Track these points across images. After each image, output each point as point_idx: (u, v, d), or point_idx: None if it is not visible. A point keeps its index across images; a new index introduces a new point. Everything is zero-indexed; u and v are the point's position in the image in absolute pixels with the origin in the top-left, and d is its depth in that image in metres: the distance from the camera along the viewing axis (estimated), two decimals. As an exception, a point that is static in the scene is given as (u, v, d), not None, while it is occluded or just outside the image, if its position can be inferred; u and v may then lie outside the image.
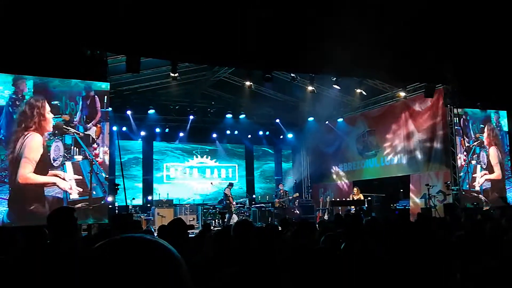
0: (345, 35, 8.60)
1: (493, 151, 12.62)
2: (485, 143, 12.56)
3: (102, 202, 8.84)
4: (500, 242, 3.59)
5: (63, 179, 8.52)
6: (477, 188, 12.18)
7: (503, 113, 13.02)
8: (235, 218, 12.96)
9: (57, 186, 8.44)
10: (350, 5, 8.72)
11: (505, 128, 13.02)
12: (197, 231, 8.47)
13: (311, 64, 10.29)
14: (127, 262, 0.72)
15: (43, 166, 8.38)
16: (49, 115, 8.49)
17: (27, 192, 8.23)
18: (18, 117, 8.27)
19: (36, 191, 8.30)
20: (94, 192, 8.73)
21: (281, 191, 14.72)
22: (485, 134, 12.58)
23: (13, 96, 8.30)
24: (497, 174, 12.52)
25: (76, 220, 3.01)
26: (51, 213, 3.00)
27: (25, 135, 8.22)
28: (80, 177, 8.66)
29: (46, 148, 8.41)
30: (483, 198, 12.13)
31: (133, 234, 0.78)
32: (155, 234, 5.55)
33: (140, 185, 16.17)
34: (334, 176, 16.88)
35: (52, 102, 8.58)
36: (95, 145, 8.87)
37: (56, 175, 8.47)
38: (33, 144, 8.25)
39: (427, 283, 2.91)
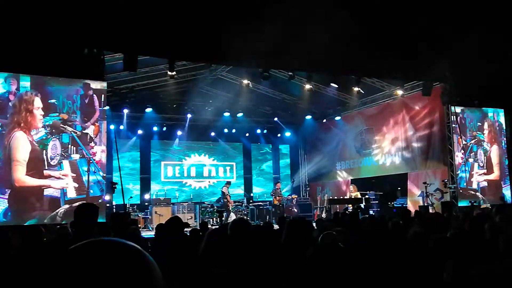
0: (344, 34, 8.59)
1: (495, 150, 12.64)
2: (487, 140, 12.58)
3: (100, 201, 8.82)
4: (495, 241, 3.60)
5: (59, 177, 8.49)
6: (475, 186, 12.21)
7: (500, 112, 13.04)
8: (232, 217, 12.95)
9: (52, 188, 8.40)
10: (350, 3, 8.72)
11: (503, 126, 13.05)
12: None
13: (309, 63, 10.29)
14: (99, 266, 0.71)
15: (37, 165, 8.29)
16: (38, 111, 8.39)
17: (26, 192, 8.20)
18: (9, 114, 8.21)
19: (35, 191, 8.27)
20: (91, 191, 8.72)
21: (278, 189, 14.77)
22: (485, 132, 12.61)
23: (7, 96, 8.26)
24: (496, 174, 12.56)
25: (97, 218, 3.16)
26: (77, 208, 3.12)
27: (11, 136, 8.10)
28: (77, 175, 8.64)
29: (38, 145, 8.33)
30: (480, 196, 12.16)
31: (106, 238, 0.77)
32: (153, 233, 5.55)
33: (138, 183, 16.16)
34: (332, 174, 16.90)
35: (49, 101, 8.54)
36: (92, 144, 8.85)
37: (50, 176, 8.42)
38: (18, 144, 8.13)
39: (425, 280, 2.92)
